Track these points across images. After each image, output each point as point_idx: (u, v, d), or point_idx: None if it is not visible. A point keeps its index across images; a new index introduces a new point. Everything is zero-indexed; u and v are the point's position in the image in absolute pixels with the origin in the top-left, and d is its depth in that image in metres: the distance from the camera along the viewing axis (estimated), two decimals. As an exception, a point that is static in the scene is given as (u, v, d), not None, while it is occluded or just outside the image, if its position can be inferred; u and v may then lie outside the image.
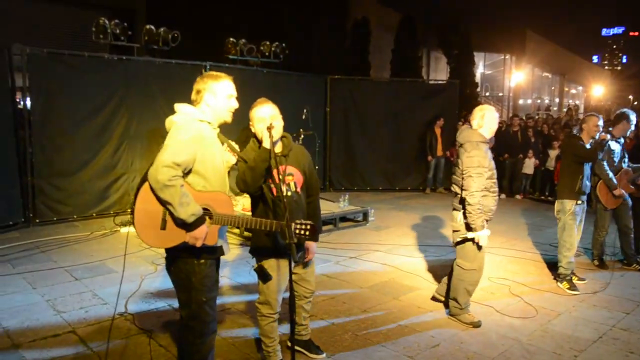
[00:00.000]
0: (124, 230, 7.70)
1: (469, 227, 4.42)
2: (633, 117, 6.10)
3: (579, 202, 5.52)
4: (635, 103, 57.59)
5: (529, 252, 7.06)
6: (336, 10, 21.19)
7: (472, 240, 4.45)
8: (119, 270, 5.92)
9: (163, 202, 2.71)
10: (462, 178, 4.38)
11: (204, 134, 2.88)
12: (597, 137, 5.56)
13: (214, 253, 2.97)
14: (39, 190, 7.90)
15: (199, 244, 2.80)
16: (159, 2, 16.83)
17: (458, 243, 4.60)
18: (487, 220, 4.48)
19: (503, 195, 11.66)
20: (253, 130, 3.45)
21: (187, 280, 2.91)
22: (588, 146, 5.54)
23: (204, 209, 2.82)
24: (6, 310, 4.71)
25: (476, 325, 4.53)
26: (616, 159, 6.14)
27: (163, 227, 2.78)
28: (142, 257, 6.44)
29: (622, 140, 6.25)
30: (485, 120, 4.48)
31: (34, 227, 7.81)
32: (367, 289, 5.51)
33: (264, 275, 3.43)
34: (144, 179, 2.76)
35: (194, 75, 9.38)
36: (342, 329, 4.45)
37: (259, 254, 3.52)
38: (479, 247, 4.49)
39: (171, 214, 2.73)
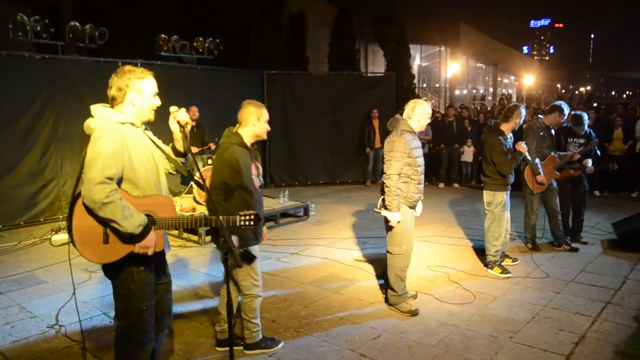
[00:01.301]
0: (55, 238, 7.34)
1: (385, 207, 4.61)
2: (566, 109, 6.38)
3: (507, 191, 5.68)
4: (563, 91, 60.49)
5: (466, 239, 7.24)
6: (272, 4, 21.01)
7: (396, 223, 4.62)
8: (50, 280, 5.66)
9: (104, 221, 2.59)
10: (383, 162, 4.65)
11: (128, 138, 2.70)
12: (518, 126, 5.75)
13: (153, 259, 2.85)
14: (-40, 200, 7.42)
15: (150, 252, 2.73)
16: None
17: (387, 230, 4.74)
18: (410, 207, 4.71)
19: (441, 184, 11.94)
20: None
21: (127, 288, 2.78)
22: (509, 139, 5.68)
23: (147, 215, 2.72)
24: None
25: (414, 313, 4.59)
26: (544, 145, 6.37)
27: (106, 241, 2.66)
28: (75, 265, 6.13)
29: (551, 129, 6.49)
30: (414, 113, 4.65)
31: (-44, 239, 7.34)
32: (308, 284, 5.48)
33: (250, 257, 3.67)
34: (76, 195, 2.62)
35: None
36: (283, 326, 4.40)
37: (245, 243, 3.63)
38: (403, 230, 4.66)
39: (114, 230, 2.62)
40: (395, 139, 4.56)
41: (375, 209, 4.81)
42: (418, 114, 4.65)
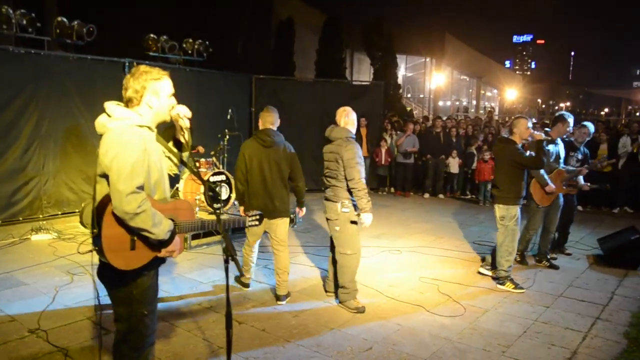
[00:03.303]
0: (35, 238, 7.14)
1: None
2: (570, 119, 6.27)
3: (520, 205, 5.61)
4: (544, 106, 61.45)
5: (455, 250, 7.22)
6: (261, 9, 20.94)
7: (353, 224, 4.89)
8: (30, 282, 5.48)
9: (135, 230, 2.54)
10: (344, 170, 4.81)
11: (147, 144, 2.63)
12: (529, 139, 5.62)
13: (156, 264, 2.79)
14: None
15: (175, 255, 2.76)
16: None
17: (338, 233, 4.96)
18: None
19: (427, 195, 11.95)
20: None
21: (128, 293, 2.70)
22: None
23: (169, 219, 2.70)
24: None
25: (360, 311, 4.80)
26: (551, 160, 6.27)
27: (133, 248, 2.62)
28: (57, 267, 5.99)
29: (559, 141, 6.39)
30: (349, 119, 5.04)
31: None
32: (297, 292, 5.39)
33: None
34: (103, 202, 2.56)
35: (112, 72, 8.85)
36: (273, 335, 4.31)
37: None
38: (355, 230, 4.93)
39: (142, 237, 2.59)
40: (350, 145, 4.84)
41: (351, 218, 4.92)
42: (352, 119, 5.04)
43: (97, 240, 2.56)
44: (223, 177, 7.75)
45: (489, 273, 5.96)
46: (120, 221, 2.53)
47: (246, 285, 5.44)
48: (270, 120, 5.16)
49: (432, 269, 6.30)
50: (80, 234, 7.49)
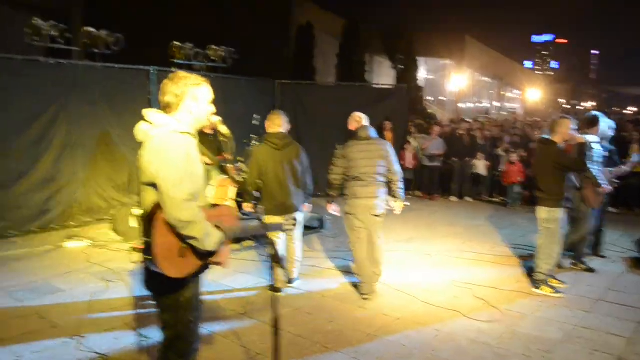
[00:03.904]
0: (69, 245, 7.25)
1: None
2: (605, 120, 6.18)
3: (564, 207, 5.46)
4: (568, 106, 60.66)
5: (487, 254, 7.12)
6: (280, 15, 21.08)
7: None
8: (67, 289, 5.56)
9: (187, 238, 2.54)
10: (391, 165, 5.35)
11: (190, 151, 2.64)
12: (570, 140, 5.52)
13: (201, 271, 2.78)
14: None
15: (224, 265, 2.78)
16: (95, 4, 16.17)
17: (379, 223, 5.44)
18: None
19: (454, 198, 11.83)
20: None
21: (175, 300, 2.71)
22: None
23: (216, 226, 2.69)
24: (-60, 340, 4.28)
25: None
26: (599, 159, 6.06)
27: (182, 255, 2.61)
28: (92, 274, 6.06)
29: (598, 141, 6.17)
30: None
31: (-32, 245, 7.21)
32: (330, 298, 5.37)
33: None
34: (153, 211, 2.56)
35: (138, 80, 8.97)
36: (309, 340, 4.30)
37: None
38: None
39: (191, 245, 2.58)
40: (388, 143, 5.53)
41: (401, 207, 5.62)
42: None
43: (148, 250, 2.56)
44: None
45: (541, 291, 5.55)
46: (171, 229, 2.53)
47: (278, 290, 5.44)
48: (278, 123, 5.43)
49: (465, 273, 6.22)
50: (112, 241, 7.58)
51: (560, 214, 5.40)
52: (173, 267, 2.59)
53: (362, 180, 5.25)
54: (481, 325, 4.63)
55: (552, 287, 5.49)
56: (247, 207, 5.35)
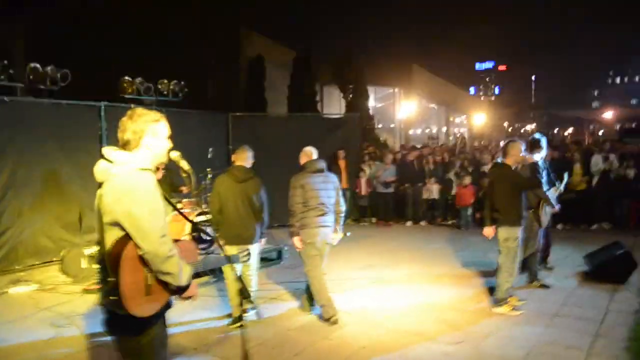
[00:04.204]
0: (14, 290, 6.88)
1: None
2: (544, 141, 6.50)
3: (522, 226, 5.67)
4: (510, 129, 62.95)
5: (446, 276, 7.20)
6: (230, 48, 21.15)
7: None
8: (14, 337, 5.23)
9: (161, 275, 2.51)
10: (339, 196, 5.67)
11: (155, 187, 2.60)
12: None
13: (163, 310, 2.71)
14: None
15: (194, 298, 2.76)
16: (37, 40, 15.79)
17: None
18: None
19: (409, 223, 11.97)
20: None
21: (137, 343, 2.60)
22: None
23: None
24: None
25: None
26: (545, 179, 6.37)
27: (148, 293, 2.54)
28: (40, 320, 5.74)
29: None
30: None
31: None
32: (294, 330, 5.29)
33: None
34: (116, 249, 2.48)
35: (87, 116, 8.76)
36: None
37: None
38: None
39: (161, 281, 2.54)
40: (336, 176, 5.85)
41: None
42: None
43: (114, 290, 2.45)
44: (208, 217, 7.63)
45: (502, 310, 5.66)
46: (139, 266, 2.48)
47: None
48: (243, 157, 5.64)
49: (427, 296, 6.26)
50: (61, 283, 7.24)
51: (519, 232, 5.57)
52: (140, 307, 2.51)
53: (320, 209, 5.44)
54: (447, 348, 4.64)
55: (511, 306, 5.59)
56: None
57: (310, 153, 5.84)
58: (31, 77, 8.13)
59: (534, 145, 6.52)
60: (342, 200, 5.71)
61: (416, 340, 4.83)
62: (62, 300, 6.47)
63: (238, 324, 5.19)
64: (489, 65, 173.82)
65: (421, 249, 9.12)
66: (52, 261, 8.15)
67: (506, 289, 5.61)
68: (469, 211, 11.19)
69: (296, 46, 22.56)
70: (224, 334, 5.18)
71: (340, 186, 5.81)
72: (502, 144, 7.53)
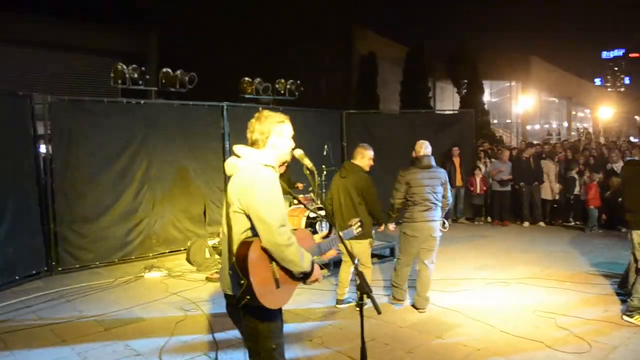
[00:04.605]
0: (148, 275, 7.56)
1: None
2: None
3: None
4: (643, 123, 57.56)
5: (566, 281, 6.82)
6: (342, 46, 21.45)
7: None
8: (148, 318, 5.78)
9: (284, 263, 2.70)
10: (446, 191, 5.83)
11: (276, 181, 2.81)
12: None
13: None
14: (62, 238, 7.78)
15: (319, 281, 2.95)
16: (169, 46, 17.10)
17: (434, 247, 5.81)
18: None
19: (526, 223, 11.45)
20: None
21: (254, 328, 2.81)
22: None
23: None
24: (38, 366, 4.56)
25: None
26: None
27: (278, 286, 2.76)
28: (170, 304, 6.28)
29: None
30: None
31: (57, 276, 7.65)
32: (407, 327, 5.31)
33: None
34: (241, 252, 2.68)
35: (211, 116, 9.42)
36: (388, 372, 4.25)
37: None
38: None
39: (287, 271, 2.75)
40: (444, 171, 5.93)
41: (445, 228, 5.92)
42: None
43: (248, 289, 2.64)
44: (323, 213, 7.85)
45: (633, 320, 5.25)
46: (263, 264, 2.66)
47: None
48: (355, 155, 6.03)
49: (545, 301, 5.98)
50: (187, 271, 7.83)
51: None
52: (273, 301, 2.73)
53: (424, 205, 5.67)
54: (568, 358, 4.42)
55: None
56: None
57: (419, 147, 5.96)
58: (163, 81, 8.85)
59: None
60: (449, 194, 5.87)
61: (534, 347, 4.65)
62: (188, 286, 7.01)
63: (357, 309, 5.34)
64: (618, 52, 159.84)
65: (539, 251, 8.70)
66: (180, 250, 8.84)
67: None
68: (596, 212, 10.46)
69: (408, 42, 22.42)
70: (340, 328, 5.33)
71: (448, 181, 5.89)
72: (632, 139, 6.92)
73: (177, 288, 6.95)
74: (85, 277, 7.58)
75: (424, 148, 5.91)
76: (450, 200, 5.91)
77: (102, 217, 8.15)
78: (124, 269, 7.99)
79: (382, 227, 6.10)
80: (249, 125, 2.93)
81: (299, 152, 3.04)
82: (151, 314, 5.91)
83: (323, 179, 8.76)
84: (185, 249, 8.52)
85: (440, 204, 5.77)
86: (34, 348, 4.96)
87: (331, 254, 4.09)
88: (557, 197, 11.43)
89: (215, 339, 5.06)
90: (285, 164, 7.28)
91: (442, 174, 5.84)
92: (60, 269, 7.76)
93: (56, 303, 6.42)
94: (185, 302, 6.30)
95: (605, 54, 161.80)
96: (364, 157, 5.88)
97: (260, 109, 3.00)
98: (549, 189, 11.42)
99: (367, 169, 5.89)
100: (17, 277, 7.21)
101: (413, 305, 5.90)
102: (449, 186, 5.87)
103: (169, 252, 8.86)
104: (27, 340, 5.17)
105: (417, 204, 5.68)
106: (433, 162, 5.82)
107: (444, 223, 5.90)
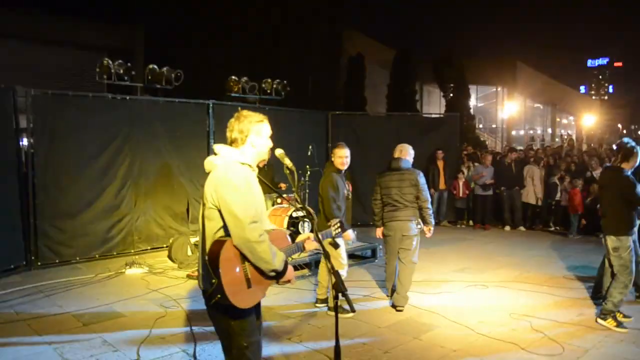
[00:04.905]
0: (129, 272, 7.53)
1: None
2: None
3: (633, 235, 5.34)
4: (624, 131, 58.46)
5: (544, 285, 6.93)
6: (330, 47, 21.49)
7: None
8: (127, 314, 5.76)
9: (255, 260, 2.72)
10: (420, 192, 5.86)
11: (250, 179, 2.86)
12: None
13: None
14: (42, 233, 7.71)
15: (293, 282, 2.97)
16: (155, 42, 17.02)
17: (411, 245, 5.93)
18: None
19: (507, 228, 11.59)
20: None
21: (227, 326, 2.84)
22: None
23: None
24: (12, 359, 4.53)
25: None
26: None
27: (249, 286, 2.78)
28: (150, 300, 6.27)
29: None
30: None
31: (36, 270, 7.58)
32: (385, 328, 5.35)
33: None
34: (213, 251, 2.72)
35: (197, 114, 9.41)
36: (365, 371, 4.29)
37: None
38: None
39: (258, 269, 2.76)
40: (419, 173, 5.95)
41: (419, 227, 5.97)
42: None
43: (219, 288, 2.67)
44: (304, 213, 7.88)
45: (606, 324, 5.33)
46: (236, 264, 2.70)
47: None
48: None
49: (522, 304, 6.07)
50: (169, 268, 7.81)
51: (629, 242, 5.25)
52: (243, 300, 2.75)
53: (393, 205, 5.92)
54: (541, 360, 4.50)
55: (617, 321, 5.28)
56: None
57: (394, 150, 6.22)
58: (149, 77, 8.81)
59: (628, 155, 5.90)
60: (422, 195, 5.88)
61: (509, 349, 4.73)
62: (169, 283, 7.00)
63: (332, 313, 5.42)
64: (602, 61, 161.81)
65: (519, 255, 8.81)
66: (162, 247, 8.81)
67: (618, 301, 5.29)
68: (577, 218, 10.62)
69: (397, 45, 22.55)
70: (318, 327, 5.36)
71: (423, 182, 5.91)
72: (615, 147, 6.98)
73: (158, 285, 6.94)
74: (65, 272, 7.52)
75: (398, 151, 6.15)
76: (427, 201, 5.91)
77: (84, 213, 8.10)
78: (105, 264, 7.94)
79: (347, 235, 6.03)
80: (228, 124, 2.99)
81: (279, 152, 3.09)
82: (131, 310, 5.89)
83: (307, 179, 8.79)
84: (167, 246, 8.50)
85: (411, 205, 5.89)
86: (8, 344, 4.92)
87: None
88: (539, 202, 11.57)
89: (193, 334, 5.07)
90: (264, 162, 7.35)
91: (414, 175, 5.90)
92: (39, 263, 7.70)
93: (34, 298, 6.37)
94: (166, 299, 6.29)
95: (590, 62, 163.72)
96: (335, 156, 5.88)
97: (240, 109, 3.04)
98: (533, 193, 11.55)
99: (341, 167, 5.81)
100: (-6, 272, 7.13)
101: (392, 305, 5.96)
102: (422, 187, 5.89)
103: (150, 249, 8.83)
104: (3, 334, 5.13)
105: (387, 205, 5.99)
106: (404, 165, 5.97)
107: (429, 225, 5.98)
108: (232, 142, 2.95)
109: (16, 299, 6.32)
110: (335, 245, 5.03)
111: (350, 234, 6.35)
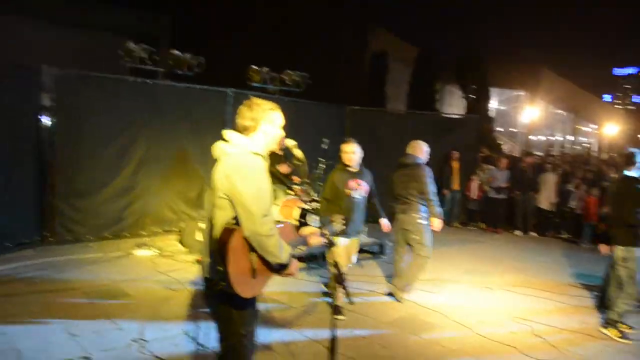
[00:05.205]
0: (139, 253, 7.66)
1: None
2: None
3: None
4: (647, 143, 57.40)
5: (549, 291, 6.91)
6: (355, 42, 21.46)
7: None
8: (134, 294, 5.87)
9: (264, 253, 2.72)
10: (424, 187, 5.95)
11: (263, 170, 2.82)
12: None
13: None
14: (57, 211, 7.84)
15: (295, 275, 2.98)
16: (181, 29, 17.14)
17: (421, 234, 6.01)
18: None
19: (519, 232, 11.52)
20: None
21: (227, 312, 2.85)
22: None
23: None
24: (21, 332, 4.66)
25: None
26: None
27: (254, 276, 2.81)
28: (157, 282, 6.37)
29: None
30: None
31: (49, 247, 7.72)
32: (386, 323, 5.40)
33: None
34: (222, 239, 2.71)
35: (216, 101, 9.42)
36: (362, 364, 4.35)
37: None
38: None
39: (265, 261, 2.77)
40: (426, 168, 6.08)
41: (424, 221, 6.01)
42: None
43: (224, 277, 2.68)
44: (316, 205, 7.91)
45: (609, 333, 5.36)
46: (242, 253, 2.70)
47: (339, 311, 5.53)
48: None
49: (525, 309, 6.08)
50: (178, 251, 7.92)
51: (637, 252, 5.22)
52: (248, 290, 2.78)
53: (399, 200, 6.14)
54: (539, 364, 4.51)
55: (620, 332, 5.26)
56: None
57: (408, 147, 6.41)
58: (171, 62, 8.90)
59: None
60: (428, 188, 5.96)
61: (507, 351, 4.75)
62: (177, 267, 7.10)
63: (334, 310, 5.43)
64: (631, 70, 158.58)
65: (528, 260, 8.78)
66: (172, 231, 8.93)
67: (623, 311, 5.29)
68: (590, 227, 10.53)
69: (420, 43, 22.41)
70: (319, 317, 5.43)
71: (429, 178, 6.01)
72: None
73: (166, 268, 7.03)
74: (76, 249, 7.65)
75: (410, 148, 6.34)
76: (429, 193, 5.97)
77: (99, 193, 8.22)
78: (116, 244, 8.05)
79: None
80: (238, 111, 2.93)
81: (291, 142, 3.10)
82: (137, 291, 5.99)
83: (320, 171, 8.83)
84: (178, 230, 8.61)
85: (415, 200, 6.03)
86: (19, 315, 5.04)
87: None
88: (553, 208, 11.47)
89: (196, 317, 5.16)
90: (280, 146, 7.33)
91: (418, 170, 6.04)
92: (52, 240, 7.84)
93: (46, 273, 6.51)
94: (173, 282, 6.39)
95: (617, 71, 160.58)
96: (342, 151, 5.80)
97: (252, 99, 3.00)
98: (547, 199, 11.43)
99: (347, 162, 5.70)
100: (9, 245, 7.28)
101: (388, 294, 6.26)
102: (425, 181, 5.97)
103: (161, 232, 8.94)
104: (12, 305, 5.26)
105: (395, 199, 6.23)
106: (411, 160, 6.16)
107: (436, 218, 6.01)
108: (244, 130, 2.90)
109: (29, 272, 6.47)
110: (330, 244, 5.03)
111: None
